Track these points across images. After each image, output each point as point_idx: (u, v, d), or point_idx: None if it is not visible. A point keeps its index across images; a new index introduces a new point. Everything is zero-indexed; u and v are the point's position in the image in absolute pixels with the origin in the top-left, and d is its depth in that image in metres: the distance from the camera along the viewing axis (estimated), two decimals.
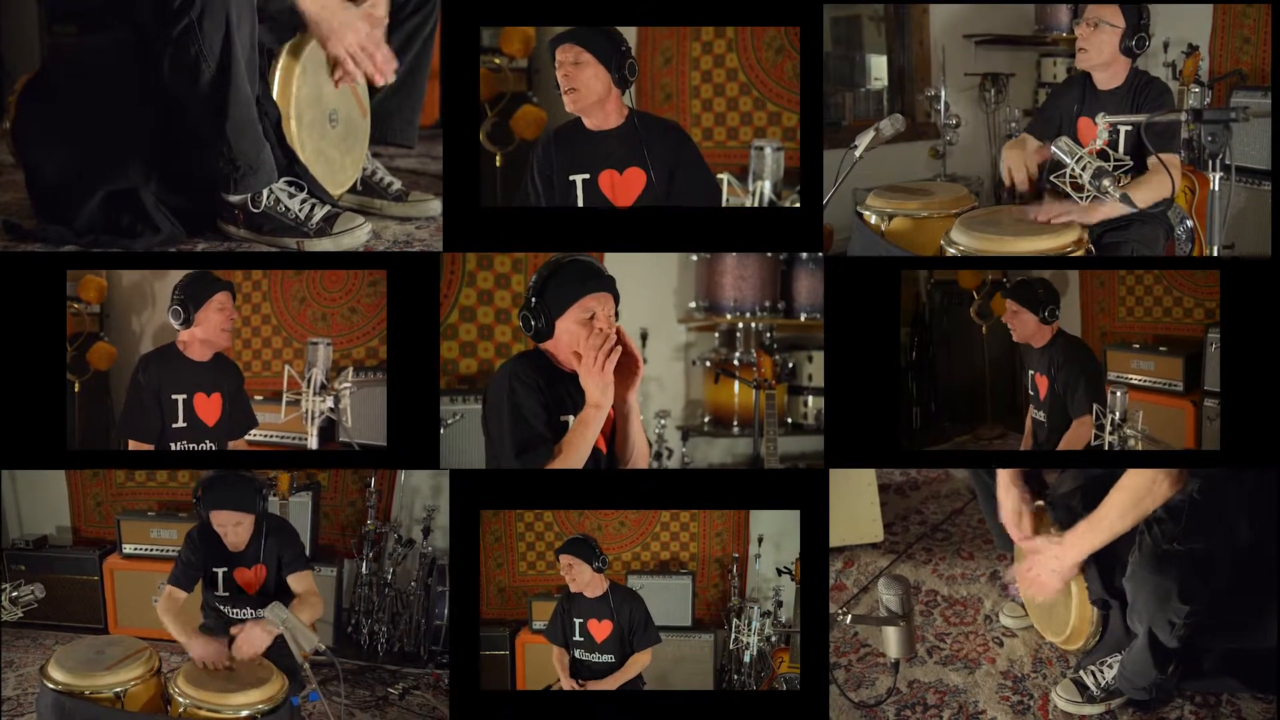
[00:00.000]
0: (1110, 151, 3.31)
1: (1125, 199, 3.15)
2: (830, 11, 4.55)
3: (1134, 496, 2.89)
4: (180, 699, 3.14)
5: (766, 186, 3.84)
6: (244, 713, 3.10)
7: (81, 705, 3.15)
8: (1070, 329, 4.14)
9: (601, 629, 3.49)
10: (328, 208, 3.33)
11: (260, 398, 3.91)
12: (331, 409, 3.67)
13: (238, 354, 4.32)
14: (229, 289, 3.53)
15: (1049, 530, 3.15)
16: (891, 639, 2.92)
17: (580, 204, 3.25)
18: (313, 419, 3.68)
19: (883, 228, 3.55)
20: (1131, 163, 3.38)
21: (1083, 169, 3.16)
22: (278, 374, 4.05)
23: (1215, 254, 3.07)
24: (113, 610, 4.39)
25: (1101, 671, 3.13)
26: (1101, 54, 3.46)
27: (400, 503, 4.34)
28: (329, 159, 3.49)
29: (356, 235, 3.33)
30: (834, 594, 3.82)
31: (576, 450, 2.77)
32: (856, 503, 4.06)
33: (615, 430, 2.92)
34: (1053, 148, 3.23)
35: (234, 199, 3.27)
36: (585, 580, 3.46)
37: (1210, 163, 3.02)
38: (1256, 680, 3.11)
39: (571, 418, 2.83)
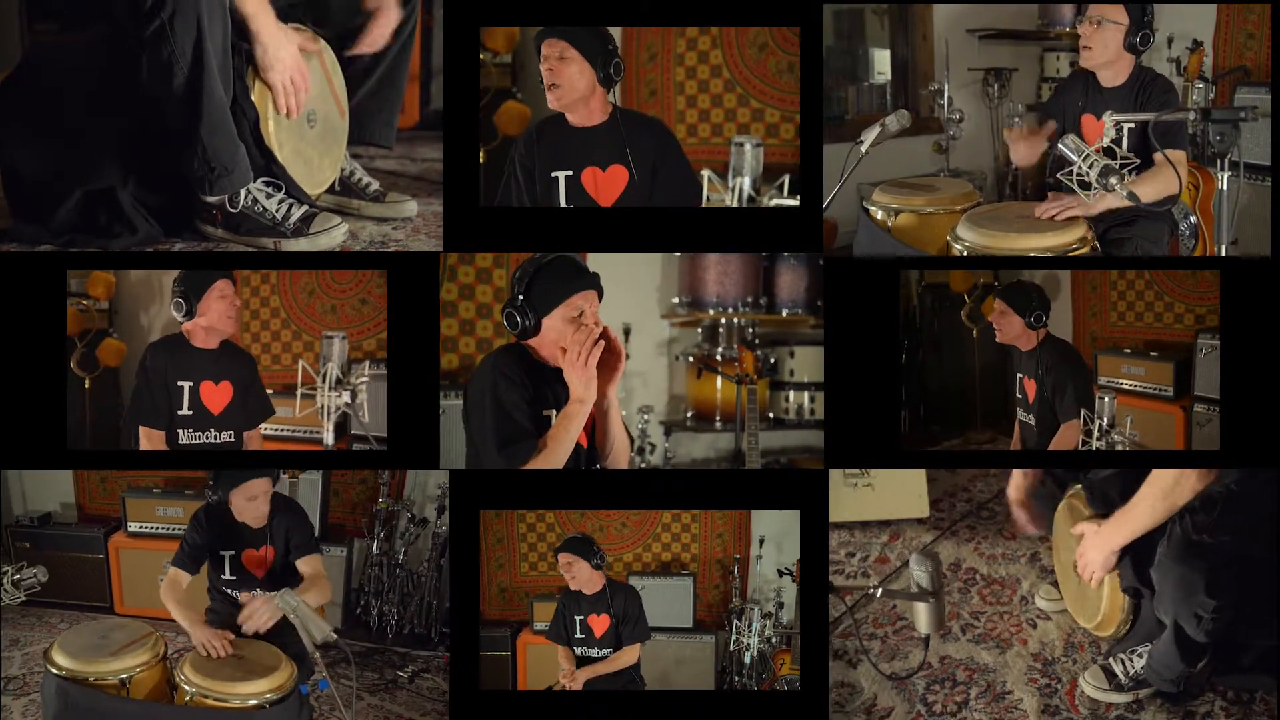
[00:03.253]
0: (1116, 149, 3.18)
1: (1131, 196, 3.06)
2: (833, 4, 4.47)
3: (1162, 489, 2.79)
4: (186, 687, 2.95)
5: (746, 183, 3.72)
6: (252, 701, 2.91)
7: (85, 692, 2.96)
8: (1061, 333, 4.02)
9: (600, 623, 3.40)
10: (305, 208, 3.23)
11: (272, 391, 3.70)
12: (348, 404, 3.58)
13: (246, 346, 4.11)
14: (229, 276, 3.37)
15: (1084, 515, 3.09)
16: (921, 614, 2.86)
17: (563, 201, 3.15)
18: (328, 414, 3.58)
19: (888, 223, 3.43)
20: (1138, 160, 3.23)
21: (1089, 166, 3.07)
22: (287, 367, 3.98)
23: (1223, 251, 2.97)
24: (118, 589, 4.16)
25: (1131, 660, 3.02)
26: (1106, 52, 3.31)
27: (414, 480, 4.18)
28: (307, 159, 3.37)
29: (333, 235, 3.21)
30: (877, 567, 3.79)
31: (560, 445, 2.68)
32: (905, 478, 3.98)
33: (595, 425, 2.83)
34: (1059, 145, 3.15)
35: (211, 199, 3.17)
36: (585, 578, 3.38)
37: (1219, 161, 2.92)
38: None
39: (554, 412, 2.75)
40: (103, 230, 3.11)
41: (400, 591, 3.99)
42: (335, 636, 2.83)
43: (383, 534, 4.04)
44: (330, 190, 3.50)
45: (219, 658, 3.04)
